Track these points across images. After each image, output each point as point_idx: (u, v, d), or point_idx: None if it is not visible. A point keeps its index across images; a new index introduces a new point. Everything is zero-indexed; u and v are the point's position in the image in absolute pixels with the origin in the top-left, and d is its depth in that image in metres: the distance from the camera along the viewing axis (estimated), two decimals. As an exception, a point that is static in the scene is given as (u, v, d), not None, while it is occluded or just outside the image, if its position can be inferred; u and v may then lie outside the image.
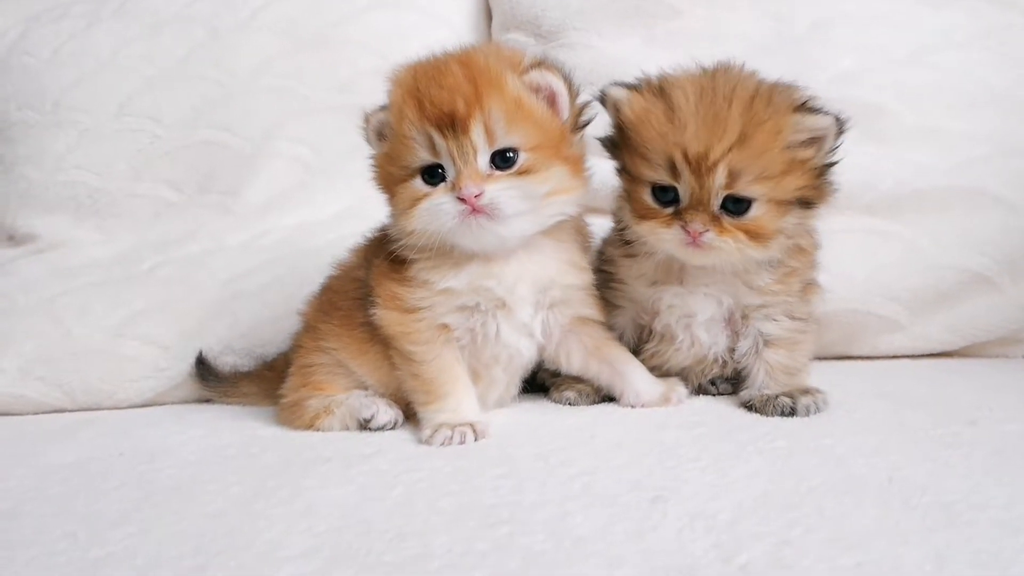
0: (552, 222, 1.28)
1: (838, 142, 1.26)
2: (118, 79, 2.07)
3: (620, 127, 1.31)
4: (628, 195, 1.34)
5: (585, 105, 1.32)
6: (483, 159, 1.20)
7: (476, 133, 1.19)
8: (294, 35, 2.09)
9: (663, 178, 1.25)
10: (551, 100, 1.25)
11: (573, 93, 1.28)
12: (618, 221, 1.44)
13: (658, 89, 1.28)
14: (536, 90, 1.24)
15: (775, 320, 1.35)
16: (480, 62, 1.23)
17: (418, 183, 1.24)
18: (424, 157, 1.23)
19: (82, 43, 2.12)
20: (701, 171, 1.21)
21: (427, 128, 1.20)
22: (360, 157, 1.37)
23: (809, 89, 1.30)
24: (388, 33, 2.08)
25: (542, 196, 1.23)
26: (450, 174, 1.21)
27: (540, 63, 1.27)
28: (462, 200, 1.18)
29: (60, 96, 2.07)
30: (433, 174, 1.23)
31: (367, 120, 1.31)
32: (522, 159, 1.21)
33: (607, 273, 1.43)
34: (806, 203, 1.27)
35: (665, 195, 1.27)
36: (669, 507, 0.93)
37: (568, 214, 1.30)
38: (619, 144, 1.33)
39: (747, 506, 0.92)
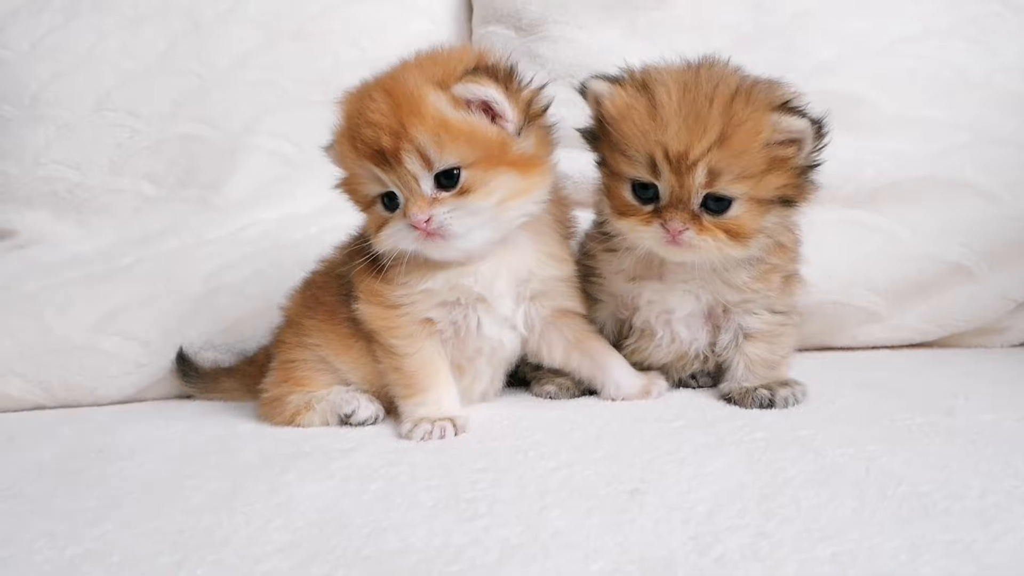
0: (516, 224, 1.27)
1: (821, 143, 1.25)
2: (97, 73, 2.05)
3: (601, 120, 1.30)
4: (607, 190, 1.33)
5: (533, 91, 1.28)
6: (426, 184, 1.20)
7: (410, 163, 1.18)
8: (275, 28, 2.07)
9: (643, 175, 1.25)
10: (486, 107, 1.21)
11: (514, 88, 1.24)
12: (598, 214, 1.43)
13: (641, 84, 1.26)
14: (467, 104, 1.20)
15: (755, 314, 1.35)
16: (403, 87, 1.20)
17: (380, 209, 1.26)
18: (375, 189, 1.25)
19: (61, 37, 2.09)
20: (681, 170, 1.20)
21: (366, 164, 1.21)
22: (336, 187, 1.37)
23: (792, 85, 1.29)
24: (369, 26, 2.06)
25: (492, 207, 1.21)
26: (401, 201, 1.22)
27: (470, 73, 1.21)
28: (415, 227, 1.19)
29: (39, 90, 2.04)
30: (392, 198, 1.23)
31: (327, 152, 1.33)
32: (464, 177, 1.20)
33: (587, 267, 1.42)
34: (787, 201, 1.26)
35: (645, 192, 1.26)
36: (647, 499, 0.94)
37: (531, 214, 1.28)
38: (599, 137, 1.32)
39: (724, 498, 0.93)
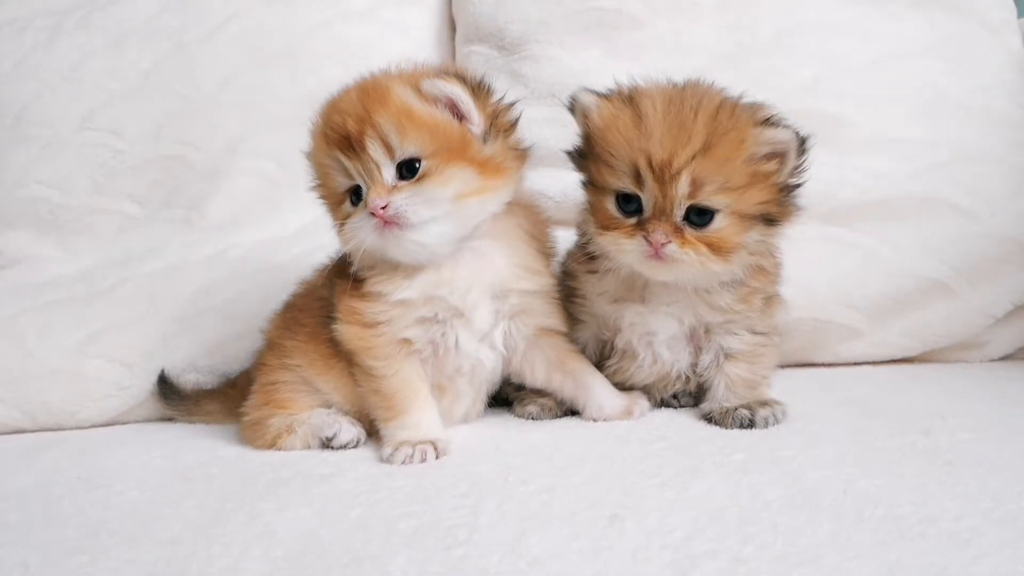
0: (475, 222, 1.29)
1: (802, 160, 1.26)
2: (80, 93, 2.04)
3: (587, 136, 1.31)
4: (592, 207, 1.33)
5: (504, 106, 1.32)
6: (388, 173, 1.23)
7: (373, 149, 1.22)
8: (259, 48, 2.07)
9: (627, 186, 1.25)
10: (452, 107, 1.26)
11: (482, 96, 1.29)
12: (582, 235, 1.43)
13: (627, 98, 1.28)
14: (434, 100, 1.25)
15: (736, 335, 1.36)
16: (373, 82, 1.28)
17: (347, 206, 1.29)
18: (342, 182, 1.28)
19: (44, 56, 2.09)
20: (665, 178, 1.20)
21: (335, 153, 1.25)
22: (311, 188, 1.40)
23: (775, 107, 1.30)
24: (354, 45, 2.06)
25: (450, 199, 1.24)
26: (364, 193, 1.25)
27: (439, 73, 1.28)
28: (373, 215, 1.21)
29: (21, 110, 2.03)
30: (358, 195, 1.26)
31: (306, 157, 1.35)
32: (423, 167, 1.23)
33: (569, 288, 1.43)
34: (770, 220, 1.27)
35: (629, 205, 1.26)
36: (626, 525, 0.94)
37: (491, 212, 1.30)
38: (586, 155, 1.33)
39: (702, 522, 0.93)
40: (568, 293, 1.43)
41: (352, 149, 1.23)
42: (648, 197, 1.24)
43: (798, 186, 1.28)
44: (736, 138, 1.21)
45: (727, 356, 1.36)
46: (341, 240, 1.30)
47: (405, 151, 1.22)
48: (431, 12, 2.18)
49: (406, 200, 1.21)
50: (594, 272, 1.38)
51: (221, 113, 2.03)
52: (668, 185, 1.21)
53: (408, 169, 1.23)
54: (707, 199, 1.21)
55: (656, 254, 1.23)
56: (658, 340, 1.37)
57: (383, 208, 1.21)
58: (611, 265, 1.34)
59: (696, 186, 1.20)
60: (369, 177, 1.23)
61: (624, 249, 1.27)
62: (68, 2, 2.17)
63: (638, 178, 1.23)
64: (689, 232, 1.23)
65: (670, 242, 1.22)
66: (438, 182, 1.23)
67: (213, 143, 2.01)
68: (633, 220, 1.26)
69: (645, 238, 1.23)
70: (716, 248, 1.23)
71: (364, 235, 1.24)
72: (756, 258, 1.31)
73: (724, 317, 1.34)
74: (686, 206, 1.22)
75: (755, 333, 1.36)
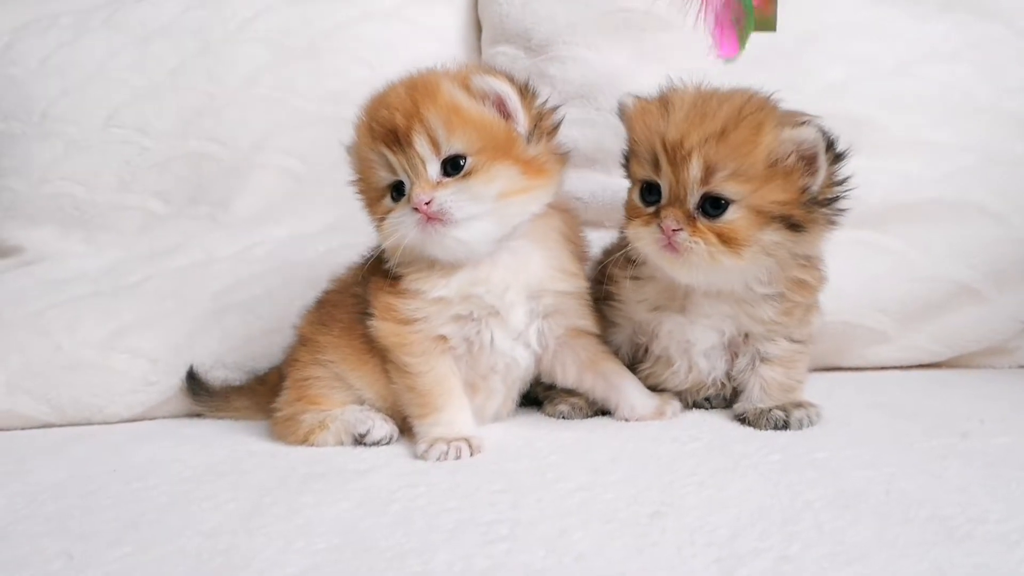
0: (516, 222, 1.30)
1: (835, 168, 1.24)
2: (106, 90, 2.05)
3: (628, 138, 1.32)
4: (627, 202, 1.34)
5: (547, 110, 1.34)
6: (433, 168, 1.24)
7: (419, 144, 1.23)
8: (284, 46, 2.07)
9: (648, 174, 1.25)
10: (499, 105, 1.27)
11: (528, 97, 1.31)
12: (622, 239, 1.42)
13: (663, 96, 1.30)
14: (482, 97, 1.27)
15: (774, 341, 1.35)
16: (422, 78, 1.30)
17: (387, 201, 1.29)
18: (385, 176, 1.28)
19: (70, 54, 2.10)
20: (677, 160, 1.20)
21: (380, 148, 1.26)
22: (350, 183, 1.41)
23: (818, 118, 1.27)
24: (378, 44, 2.07)
25: (494, 197, 1.24)
26: (408, 188, 1.25)
27: (489, 70, 1.30)
28: (416, 210, 1.21)
29: (47, 107, 2.05)
30: (399, 191, 1.27)
31: (348, 151, 1.37)
32: (469, 163, 1.24)
33: (607, 291, 1.41)
34: (794, 226, 1.24)
35: (651, 194, 1.27)
36: (668, 522, 0.94)
37: (532, 213, 1.31)
38: (628, 156, 1.34)
39: (745, 521, 0.93)
40: (604, 295, 1.42)
41: (398, 144, 1.24)
42: (665, 183, 1.24)
43: (831, 201, 1.26)
44: (753, 124, 1.20)
45: (763, 360, 1.35)
46: (381, 236, 1.30)
47: (452, 147, 1.23)
48: (457, 12, 2.18)
49: (451, 196, 1.22)
50: (636, 279, 1.37)
51: (246, 111, 2.03)
52: (680, 168, 1.20)
53: (452, 166, 1.24)
54: (720, 187, 1.20)
55: (669, 243, 1.22)
56: (696, 350, 1.36)
57: (427, 204, 1.21)
58: (651, 272, 1.33)
59: (709, 171, 1.19)
60: (414, 172, 1.24)
61: (640, 236, 1.27)
62: (93, 1, 2.19)
63: (656, 163, 1.23)
64: (702, 222, 1.22)
65: (681, 229, 1.21)
66: (483, 179, 1.23)
67: (238, 140, 2.02)
68: (652, 209, 1.26)
69: (659, 226, 1.23)
70: (726, 240, 1.21)
71: (405, 231, 1.24)
72: (775, 261, 1.27)
73: (765, 328, 1.33)
74: (700, 193, 1.21)
75: (793, 341, 1.35)
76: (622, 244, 1.39)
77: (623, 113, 1.33)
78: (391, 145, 1.25)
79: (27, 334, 1.74)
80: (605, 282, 1.41)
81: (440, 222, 1.22)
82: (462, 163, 1.24)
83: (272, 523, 0.99)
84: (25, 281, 1.90)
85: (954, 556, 0.82)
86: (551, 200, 1.34)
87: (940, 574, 0.79)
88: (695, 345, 1.36)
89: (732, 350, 1.37)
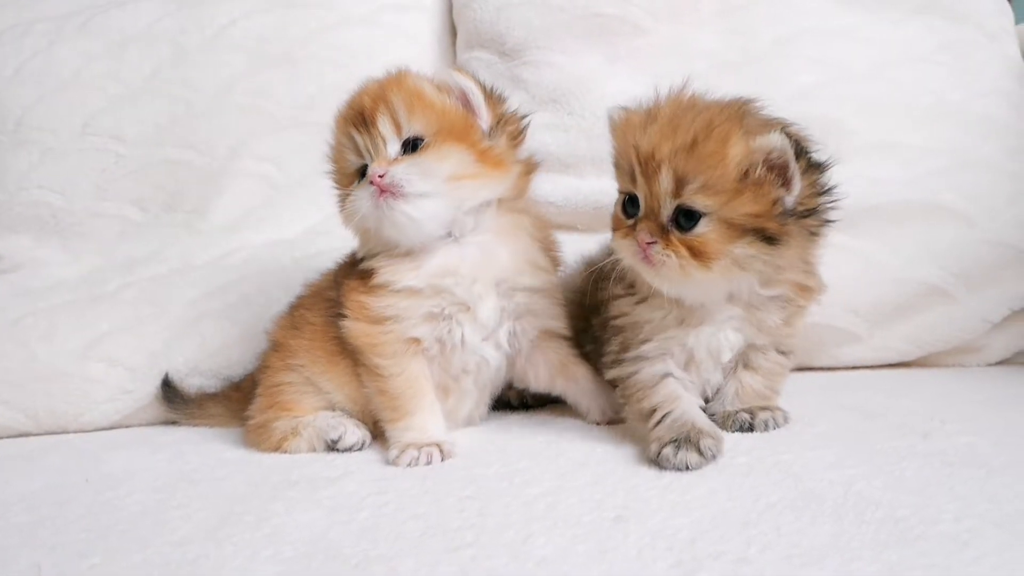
0: (467, 207, 1.33)
1: (818, 177, 1.22)
2: (82, 97, 2.05)
3: (613, 148, 1.32)
4: (612, 215, 1.33)
5: (512, 114, 1.39)
6: (393, 148, 1.30)
7: (383, 124, 1.30)
8: (260, 52, 2.08)
9: (627, 185, 1.26)
10: (463, 99, 1.34)
11: (493, 99, 1.38)
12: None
13: (649, 107, 1.28)
14: (447, 90, 1.34)
15: (763, 352, 1.35)
16: (396, 72, 1.38)
17: (355, 185, 1.34)
18: (353, 160, 1.34)
19: (45, 61, 2.10)
20: (649, 171, 1.20)
21: (349, 129, 1.33)
22: (326, 174, 1.44)
23: (795, 125, 1.26)
24: (355, 50, 2.08)
25: (444, 177, 1.29)
26: (370, 166, 1.30)
27: (455, 69, 1.37)
28: (371, 183, 1.27)
29: (22, 115, 2.05)
30: (364, 175, 1.31)
31: (328, 145, 1.41)
32: (424, 143, 1.30)
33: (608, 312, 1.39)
34: (769, 239, 1.20)
35: (632, 206, 1.26)
36: (630, 526, 0.95)
37: (483, 198, 1.34)
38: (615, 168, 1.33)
39: (706, 524, 0.94)
40: (600, 323, 1.41)
41: (364, 125, 1.31)
42: (641, 195, 1.23)
43: (811, 212, 1.23)
44: (721, 135, 1.17)
45: (746, 366, 1.35)
46: (343, 218, 1.37)
47: (412, 128, 1.29)
48: (432, 17, 2.20)
49: (403, 170, 1.27)
50: (643, 301, 1.33)
51: (222, 117, 2.04)
52: (652, 179, 1.20)
53: (413, 149, 1.30)
54: (691, 199, 1.18)
55: (645, 255, 1.22)
56: (723, 358, 1.34)
57: (381, 176, 1.25)
58: (648, 292, 1.31)
59: (680, 184, 1.18)
60: (375, 150, 1.30)
61: (622, 248, 1.26)
62: (69, 7, 2.19)
63: (633, 176, 1.23)
64: (675, 235, 1.20)
65: (655, 242, 1.20)
66: (435, 157, 1.29)
67: (214, 147, 2.03)
68: (632, 221, 1.26)
69: (635, 238, 1.23)
70: (697, 252, 1.19)
71: (362, 206, 1.29)
72: (749, 274, 1.23)
73: (770, 338, 1.33)
74: (673, 206, 1.19)
75: (780, 352, 1.36)
76: (608, 253, 1.37)
77: (609, 125, 1.32)
78: (359, 127, 1.31)
79: (3, 343, 1.74)
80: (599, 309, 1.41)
81: (392, 195, 1.26)
82: (419, 144, 1.30)
83: (242, 532, 1.00)
84: (1, 289, 1.90)
85: (907, 556, 0.84)
86: (506, 193, 1.37)
87: (892, 575, 0.81)
88: (723, 353, 1.33)
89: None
